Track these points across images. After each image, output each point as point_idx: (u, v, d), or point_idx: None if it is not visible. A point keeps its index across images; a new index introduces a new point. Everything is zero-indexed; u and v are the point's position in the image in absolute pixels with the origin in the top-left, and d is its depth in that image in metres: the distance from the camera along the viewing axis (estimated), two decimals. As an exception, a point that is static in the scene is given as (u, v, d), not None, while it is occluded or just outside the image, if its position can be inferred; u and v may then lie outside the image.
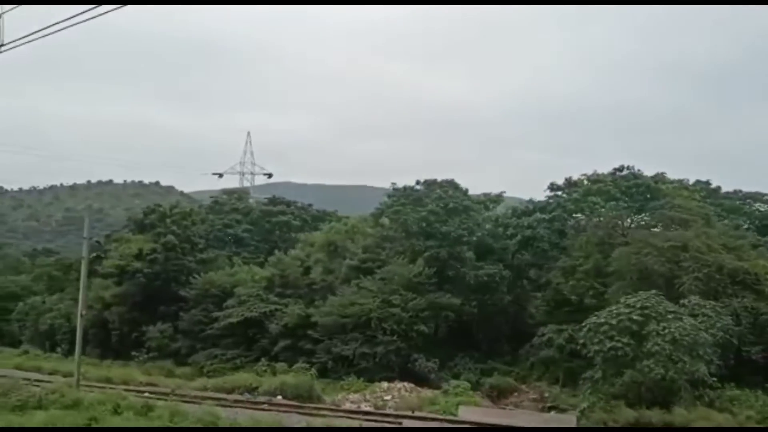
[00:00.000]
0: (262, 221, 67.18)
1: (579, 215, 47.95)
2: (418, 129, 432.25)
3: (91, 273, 73.77)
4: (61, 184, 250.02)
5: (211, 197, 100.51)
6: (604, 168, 51.77)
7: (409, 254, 48.07)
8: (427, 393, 37.80)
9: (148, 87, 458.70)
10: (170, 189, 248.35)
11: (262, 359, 47.05)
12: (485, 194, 54.13)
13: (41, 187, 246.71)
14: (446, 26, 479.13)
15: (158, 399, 33.42)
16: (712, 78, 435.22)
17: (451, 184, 51.69)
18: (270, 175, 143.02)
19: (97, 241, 54.35)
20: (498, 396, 42.00)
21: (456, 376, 44.76)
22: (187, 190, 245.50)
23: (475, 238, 48.06)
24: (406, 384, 38.67)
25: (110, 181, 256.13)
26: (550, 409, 39.77)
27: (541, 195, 52.87)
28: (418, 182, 52.98)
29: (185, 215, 60.36)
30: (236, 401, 33.30)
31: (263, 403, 32.88)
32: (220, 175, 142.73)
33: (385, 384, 39.06)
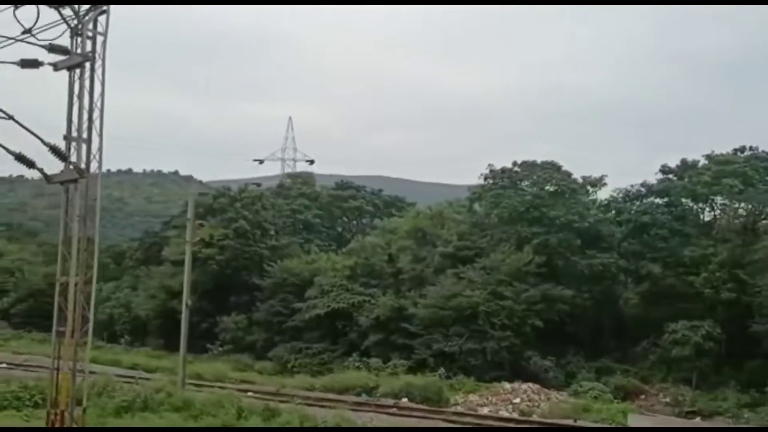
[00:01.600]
0: (331, 207, 63.71)
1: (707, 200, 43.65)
2: (430, 121, 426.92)
3: (149, 260, 71.36)
4: None
5: (249, 183, 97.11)
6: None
7: (514, 241, 44.23)
8: (557, 395, 34.22)
9: (167, 77, 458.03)
10: (189, 178, 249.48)
11: (354, 354, 43.63)
12: (584, 177, 50.05)
13: None
14: (462, 18, 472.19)
15: (268, 400, 30.26)
16: (730, 68, 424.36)
17: (553, 166, 47.70)
18: (312, 162, 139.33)
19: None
20: (623, 399, 38.19)
21: (570, 375, 41.25)
22: (205, 179, 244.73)
23: (586, 224, 44.04)
24: (531, 385, 35.06)
25: (129, 170, 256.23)
26: (688, 414, 36.03)
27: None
28: (515, 164, 49.05)
29: (255, 199, 57.02)
30: (357, 404, 29.97)
31: (390, 406, 29.49)
32: (261, 162, 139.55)
33: (507, 384, 35.53)
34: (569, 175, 47.62)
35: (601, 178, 50.65)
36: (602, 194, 50.66)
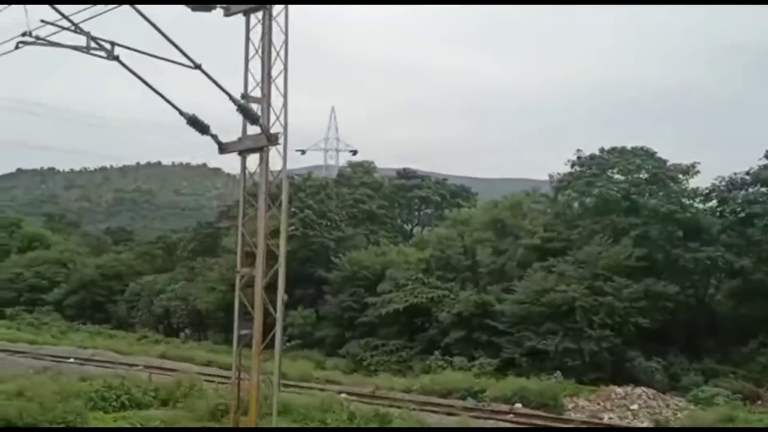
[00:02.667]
0: (395, 196, 61.20)
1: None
2: (461, 113, 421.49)
3: (205, 252, 69.63)
4: (111, 166, 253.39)
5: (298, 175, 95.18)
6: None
7: (610, 232, 41.30)
8: (675, 401, 31.35)
9: (191, 70, 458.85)
10: (217, 171, 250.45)
11: (435, 353, 41.14)
12: (675, 165, 46.76)
13: (92, 168, 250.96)
14: (500, 11, 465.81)
15: (368, 403, 27.95)
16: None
17: (646, 152, 44.57)
18: (355, 152, 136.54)
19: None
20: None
21: (674, 378, 38.23)
22: (233, 172, 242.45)
23: (688, 215, 40.92)
24: (646, 390, 32.17)
25: (158, 163, 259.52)
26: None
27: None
28: (602, 150, 46.00)
29: (320, 188, 54.74)
30: (466, 409, 27.49)
31: (506, 412, 26.96)
32: (303, 152, 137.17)
33: (617, 388, 32.63)
34: (664, 162, 44.47)
35: (693, 165, 47.35)
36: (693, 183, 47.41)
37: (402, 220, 63.19)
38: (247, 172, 13.45)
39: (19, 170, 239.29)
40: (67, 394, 26.80)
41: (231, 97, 11.42)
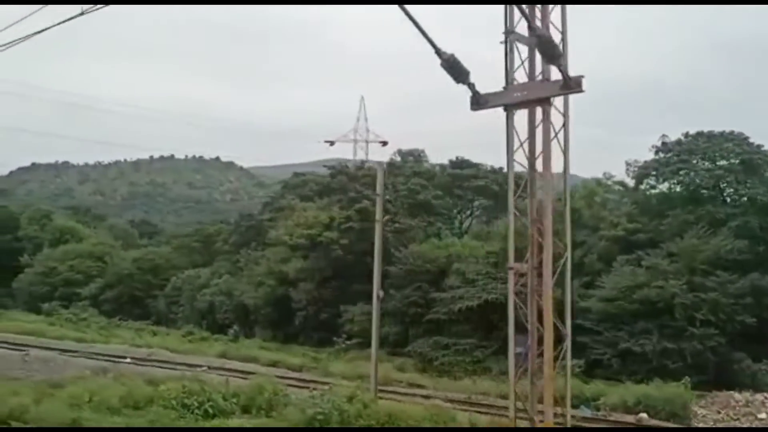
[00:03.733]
0: (451, 186, 58.40)
1: None
2: (451, 102, 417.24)
3: (247, 245, 67.21)
4: (125, 160, 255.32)
5: (326, 166, 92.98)
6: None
7: (706, 223, 38.35)
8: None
9: (204, 64, 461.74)
10: (230, 164, 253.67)
11: (515, 352, 38.31)
12: None
13: (106, 162, 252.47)
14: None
15: (468, 410, 25.47)
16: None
17: (737, 137, 41.53)
18: (385, 143, 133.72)
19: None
20: None
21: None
22: (246, 165, 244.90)
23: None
24: (768, 395, 29.33)
25: (171, 157, 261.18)
26: None
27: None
28: (686, 135, 43.02)
29: (375, 178, 51.93)
30: (585, 419, 24.82)
31: (632, 426, 24.26)
32: (332, 143, 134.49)
33: (736, 395, 29.88)
34: (758, 147, 41.41)
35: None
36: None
37: (456, 211, 60.38)
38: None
39: (34, 164, 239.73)
40: (139, 399, 24.47)
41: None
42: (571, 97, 10.78)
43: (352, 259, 50.62)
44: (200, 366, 35.16)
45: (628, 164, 45.49)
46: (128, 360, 37.37)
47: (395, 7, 7.30)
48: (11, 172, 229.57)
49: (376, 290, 26.27)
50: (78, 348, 41.66)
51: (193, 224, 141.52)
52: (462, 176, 58.44)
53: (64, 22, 11.92)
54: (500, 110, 11.03)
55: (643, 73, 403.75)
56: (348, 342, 46.21)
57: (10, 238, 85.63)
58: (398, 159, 64.09)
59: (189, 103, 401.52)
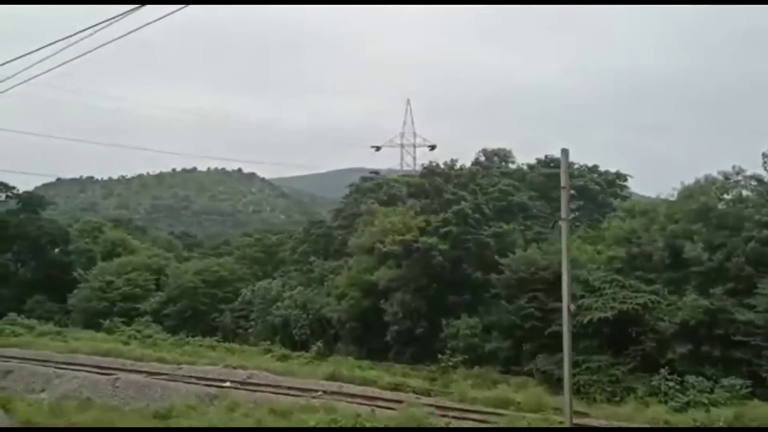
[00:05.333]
0: (545, 187, 54.14)
1: None
2: (479, 109, 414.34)
3: (317, 253, 63.49)
4: (148, 173, 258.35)
5: (368, 174, 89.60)
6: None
7: None
8: None
9: (224, 78, 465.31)
10: (252, 176, 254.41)
11: (662, 371, 33.97)
12: None
13: (129, 176, 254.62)
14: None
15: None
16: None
17: None
18: (433, 147, 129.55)
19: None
20: None
21: None
22: (268, 176, 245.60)
23: None
24: None
25: (194, 169, 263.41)
26: None
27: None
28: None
29: (472, 176, 47.97)
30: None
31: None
32: (378, 148, 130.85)
33: None
34: None
35: None
36: None
37: (549, 213, 56.00)
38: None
39: (59, 179, 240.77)
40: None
41: None
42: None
43: (450, 266, 46.59)
44: (315, 391, 31.25)
45: (765, 156, 40.90)
46: (228, 384, 33.63)
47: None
48: (36, 188, 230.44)
49: (567, 303, 21.99)
50: (165, 369, 38.07)
51: (217, 236, 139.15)
52: (557, 176, 53.98)
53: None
54: None
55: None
56: (455, 358, 42.04)
57: (60, 251, 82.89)
58: (483, 159, 59.90)
59: (212, 116, 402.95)
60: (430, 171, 48.58)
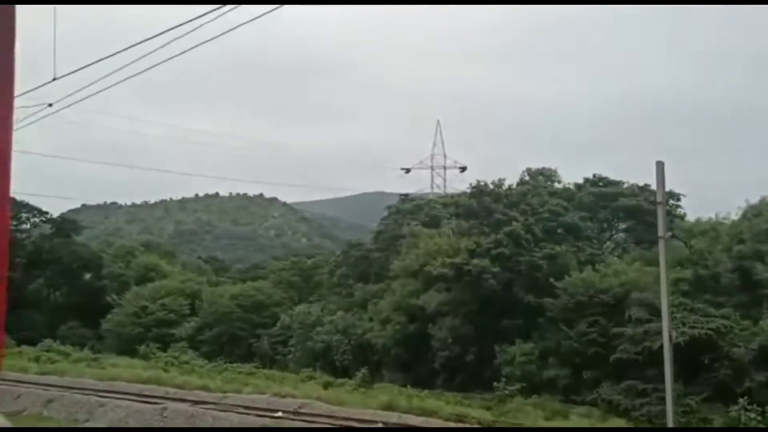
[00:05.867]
0: (595, 206, 52.27)
1: None
2: (501, 134, 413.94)
3: (361, 277, 62.00)
4: (171, 199, 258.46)
5: (401, 197, 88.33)
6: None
7: None
8: None
9: (245, 104, 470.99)
10: (273, 200, 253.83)
11: (741, 401, 31.78)
12: None
13: (152, 201, 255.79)
14: (533, 26, 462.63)
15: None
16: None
17: None
18: (463, 169, 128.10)
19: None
20: None
21: None
22: (289, 201, 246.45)
23: None
24: None
25: (216, 194, 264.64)
26: None
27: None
28: None
29: (523, 195, 46.28)
30: None
31: None
32: (407, 170, 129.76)
33: None
34: None
35: None
36: None
37: (600, 232, 54.19)
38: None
39: (83, 205, 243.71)
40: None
41: None
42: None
43: (501, 290, 44.81)
44: (374, 422, 29.47)
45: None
46: (280, 414, 31.93)
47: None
48: (62, 214, 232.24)
49: (667, 329, 20.23)
50: (210, 398, 36.45)
51: (241, 261, 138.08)
52: (608, 195, 52.27)
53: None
54: None
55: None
56: (511, 387, 40.04)
57: (92, 276, 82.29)
58: (527, 179, 58.16)
59: (234, 141, 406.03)
60: (479, 191, 46.95)
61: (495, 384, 40.40)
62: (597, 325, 39.31)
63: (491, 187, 47.55)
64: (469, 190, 47.65)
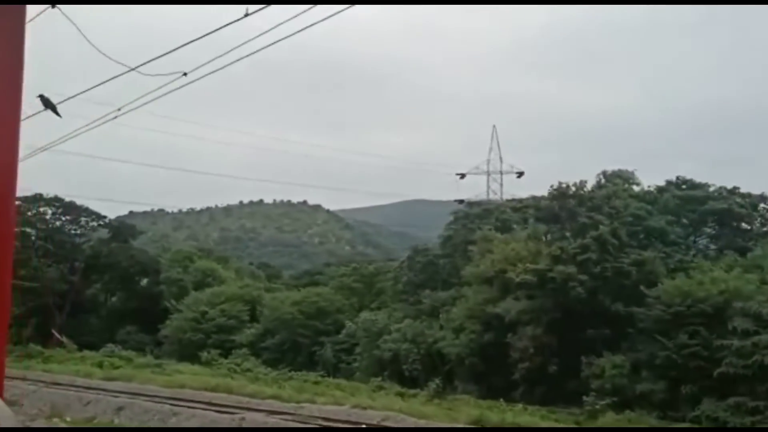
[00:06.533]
0: (680, 210, 49.33)
1: None
2: (553, 142, 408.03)
3: (427, 284, 60.00)
4: (216, 206, 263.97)
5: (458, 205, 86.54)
6: None
7: None
8: None
9: (286, 111, 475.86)
10: (317, 207, 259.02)
11: None
12: None
13: (198, 208, 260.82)
14: (585, 34, 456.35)
15: None
16: None
17: None
18: (520, 174, 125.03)
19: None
20: None
21: None
22: (333, 208, 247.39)
23: None
24: None
25: (260, 201, 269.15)
26: None
27: None
28: None
29: (606, 198, 43.69)
30: None
31: None
32: (462, 176, 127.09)
33: None
34: None
35: None
36: None
37: (688, 238, 51.15)
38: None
39: (131, 212, 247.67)
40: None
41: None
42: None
43: (585, 297, 42.25)
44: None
45: None
46: (364, 427, 30.11)
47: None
48: (110, 221, 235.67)
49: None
50: (286, 408, 34.81)
51: (286, 268, 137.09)
52: (694, 198, 49.29)
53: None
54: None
55: None
56: (601, 402, 37.49)
57: (149, 281, 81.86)
58: (603, 181, 55.34)
59: (278, 150, 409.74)
60: (561, 193, 44.46)
61: (584, 398, 37.96)
62: (698, 337, 36.50)
63: (572, 189, 44.96)
64: (547, 193, 45.13)
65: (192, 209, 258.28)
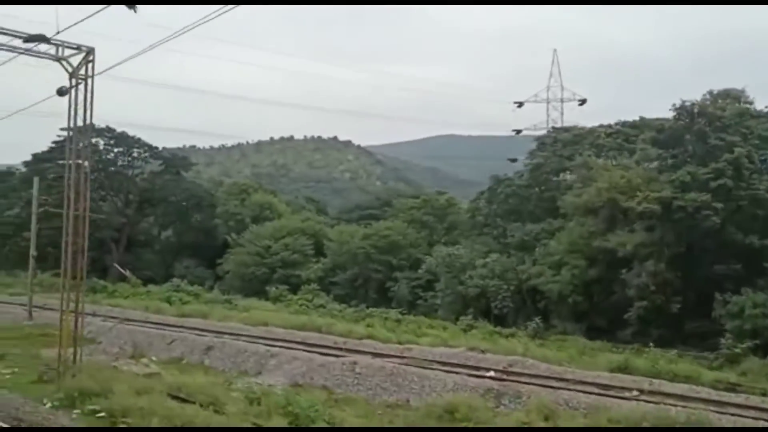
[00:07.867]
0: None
1: None
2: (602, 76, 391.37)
3: (512, 215, 55.76)
4: (247, 142, 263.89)
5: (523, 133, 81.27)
6: None
7: None
8: None
9: (321, 48, 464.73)
10: (348, 143, 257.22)
11: None
12: None
13: (229, 144, 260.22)
14: None
15: None
16: None
17: None
18: (583, 102, 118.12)
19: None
20: None
21: None
22: (363, 143, 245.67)
23: None
24: None
25: (291, 137, 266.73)
26: None
27: None
28: None
29: (739, 116, 38.41)
30: None
31: None
32: (520, 104, 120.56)
33: None
34: None
35: None
36: None
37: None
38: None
39: (164, 148, 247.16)
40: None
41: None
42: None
43: (715, 230, 37.56)
44: (628, 389, 23.48)
45: None
46: (492, 373, 26.34)
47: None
48: (162, 152, 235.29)
49: None
50: (391, 351, 31.23)
51: (325, 202, 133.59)
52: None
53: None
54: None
55: None
56: (741, 345, 33.21)
57: (204, 216, 78.58)
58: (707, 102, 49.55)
59: (305, 87, 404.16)
60: (687, 112, 39.12)
61: (721, 340, 33.73)
62: None
63: (699, 109, 39.53)
64: (672, 113, 39.69)
65: (223, 146, 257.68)
